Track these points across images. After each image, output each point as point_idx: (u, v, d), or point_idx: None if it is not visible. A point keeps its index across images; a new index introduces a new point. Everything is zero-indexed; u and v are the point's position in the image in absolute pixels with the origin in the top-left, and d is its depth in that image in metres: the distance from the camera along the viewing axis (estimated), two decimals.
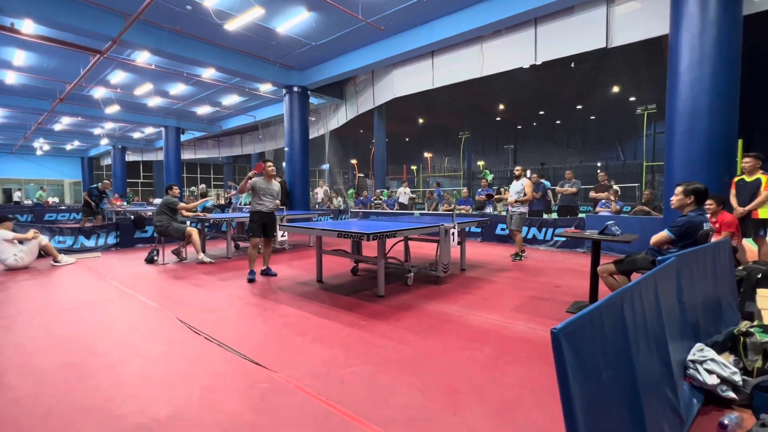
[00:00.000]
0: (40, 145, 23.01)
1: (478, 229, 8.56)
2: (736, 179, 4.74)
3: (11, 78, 10.78)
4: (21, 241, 5.67)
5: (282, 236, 7.35)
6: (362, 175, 28.70)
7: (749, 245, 4.84)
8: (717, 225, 3.89)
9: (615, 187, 8.20)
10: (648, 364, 1.53)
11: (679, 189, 2.99)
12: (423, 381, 2.24)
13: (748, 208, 4.46)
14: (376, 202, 12.67)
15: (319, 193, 14.85)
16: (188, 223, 6.44)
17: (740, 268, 3.41)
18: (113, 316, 3.51)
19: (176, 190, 6.33)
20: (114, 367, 2.46)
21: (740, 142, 5.40)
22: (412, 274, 4.59)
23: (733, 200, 4.64)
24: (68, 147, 24.21)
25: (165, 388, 2.19)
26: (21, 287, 4.58)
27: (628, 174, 20.22)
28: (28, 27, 7.23)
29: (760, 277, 3.23)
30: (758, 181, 4.47)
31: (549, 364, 2.40)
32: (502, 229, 8.24)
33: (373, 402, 2.03)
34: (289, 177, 11.15)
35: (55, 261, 5.91)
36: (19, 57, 9.27)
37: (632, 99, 19.73)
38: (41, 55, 9.41)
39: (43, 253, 6.01)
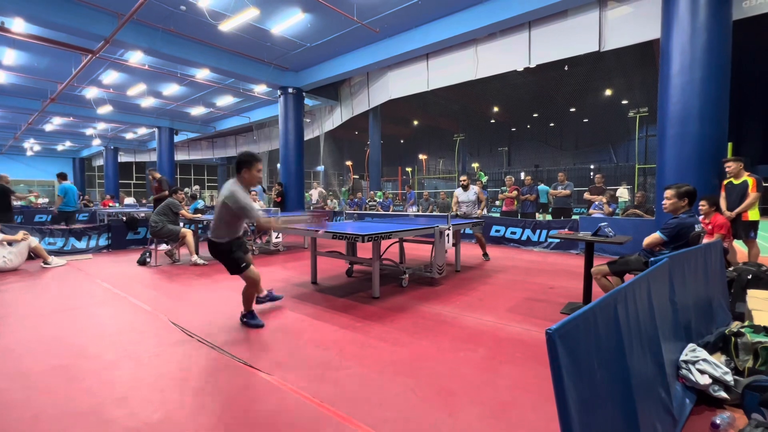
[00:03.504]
0: (31, 145, 22.72)
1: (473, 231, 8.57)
2: (725, 182, 4.80)
3: (1, 77, 10.64)
4: (10, 243, 5.58)
5: (276, 238, 7.34)
6: (357, 176, 28.70)
7: (739, 246, 4.91)
8: (710, 226, 3.94)
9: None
10: (641, 364, 1.54)
11: (670, 192, 3.02)
12: (418, 382, 2.24)
13: (736, 211, 4.53)
14: (370, 203, 12.66)
15: (314, 194, 14.82)
16: (182, 224, 6.39)
17: (731, 269, 3.46)
18: (104, 319, 3.46)
19: (181, 194, 6.53)
20: (105, 370, 2.43)
21: (730, 145, 5.48)
22: (407, 275, 4.59)
23: (723, 203, 4.70)
24: (59, 147, 23.94)
25: (157, 391, 2.16)
26: (10, 290, 4.51)
27: (620, 176, 20.42)
28: (18, 26, 7.15)
29: (750, 278, 3.27)
30: (745, 183, 4.54)
31: (543, 365, 2.41)
32: (497, 231, 8.28)
33: (367, 404, 2.02)
34: (284, 178, 11.12)
35: (45, 263, 5.83)
36: (9, 56, 9.15)
37: (624, 102, 19.98)
38: (32, 55, 9.30)
39: (32, 254, 5.92)
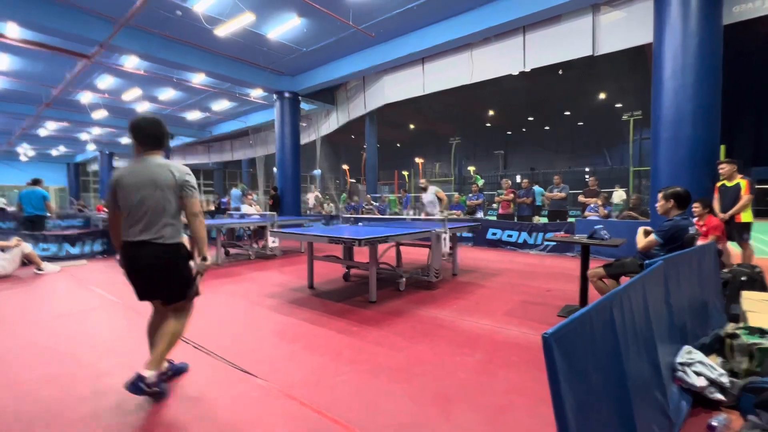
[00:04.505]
0: (25, 150, 22.54)
1: (470, 234, 8.60)
2: (718, 184, 4.85)
3: None
4: (3, 249, 5.52)
5: (273, 242, 7.31)
6: (354, 180, 28.70)
7: (733, 248, 4.94)
8: (704, 228, 3.97)
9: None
10: (638, 367, 1.54)
11: (659, 195, 3.07)
12: (414, 387, 2.23)
13: (729, 213, 4.56)
14: (367, 207, 12.67)
15: (310, 198, 14.80)
16: None
17: (725, 270, 3.48)
18: (98, 325, 3.42)
19: None
20: (99, 377, 2.40)
21: (723, 147, 5.54)
22: (404, 279, 4.58)
23: (716, 205, 4.74)
24: (54, 153, 23.76)
25: (153, 398, 2.14)
26: (2, 297, 4.45)
27: (615, 179, 20.55)
28: (12, 31, 7.11)
29: (745, 279, 3.29)
30: (738, 186, 4.59)
31: (540, 368, 2.40)
32: (493, 234, 8.30)
33: (364, 409, 2.00)
34: (280, 183, 11.09)
35: (39, 269, 5.76)
36: (3, 61, 9.11)
37: (618, 105, 20.15)
38: (26, 59, 9.25)
39: (25, 261, 5.85)
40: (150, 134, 2.18)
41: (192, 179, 2.18)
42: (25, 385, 2.31)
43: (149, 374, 2.02)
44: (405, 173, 28.59)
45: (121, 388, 2.24)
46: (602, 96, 19.63)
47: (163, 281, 2.15)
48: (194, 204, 2.14)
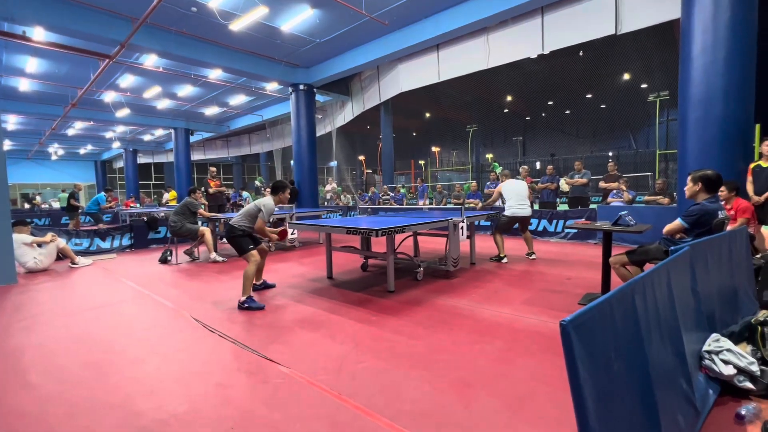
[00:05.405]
0: (55, 149, 23.53)
1: (488, 223, 8.51)
2: (752, 165, 4.62)
3: (24, 85, 11.02)
4: (39, 245, 5.83)
5: (292, 234, 7.44)
6: (370, 171, 28.69)
7: (767, 232, 4.71)
8: (732, 212, 3.80)
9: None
10: (661, 355, 1.51)
11: (689, 178, 2.96)
12: (434, 375, 2.26)
13: (765, 196, 4.35)
14: (384, 198, 12.67)
15: (328, 190, 14.92)
16: (200, 223, 6.55)
17: (758, 256, 3.33)
18: (130, 316, 3.59)
19: (199, 194, 6.66)
20: (132, 365, 2.53)
21: (758, 126, 5.24)
22: (422, 269, 4.59)
23: (750, 187, 4.52)
24: (82, 151, 24.72)
25: (182, 384, 2.25)
26: (41, 289, 4.72)
27: (640, 163, 19.83)
28: (39, 35, 7.38)
29: None
30: None
31: (561, 356, 2.39)
32: None
33: (384, 396, 2.05)
34: (297, 175, 11.22)
35: (73, 263, 6.06)
36: (32, 64, 9.47)
37: (644, 86, 19.29)
38: (53, 62, 9.59)
39: (61, 255, 6.16)
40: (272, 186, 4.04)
41: (267, 205, 3.82)
42: (67, 371, 2.47)
43: (242, 299, 3.65)
44: (421, 162, 28.35)
45: (155, 374, 2.37)
46: (626, 77, 18.82)
47: (233, 246, 3.87)
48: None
